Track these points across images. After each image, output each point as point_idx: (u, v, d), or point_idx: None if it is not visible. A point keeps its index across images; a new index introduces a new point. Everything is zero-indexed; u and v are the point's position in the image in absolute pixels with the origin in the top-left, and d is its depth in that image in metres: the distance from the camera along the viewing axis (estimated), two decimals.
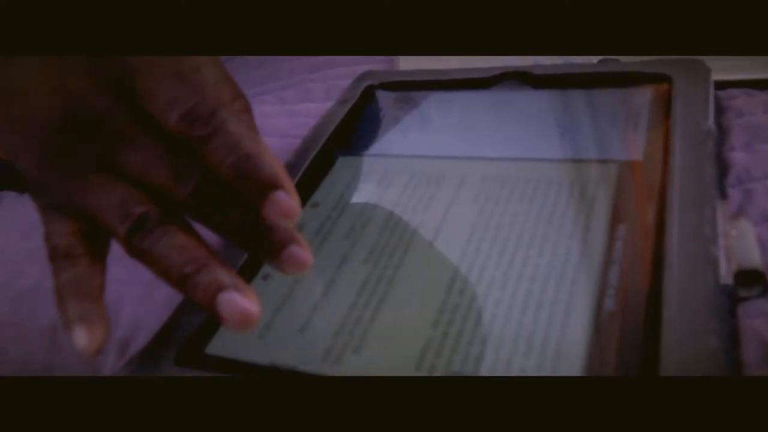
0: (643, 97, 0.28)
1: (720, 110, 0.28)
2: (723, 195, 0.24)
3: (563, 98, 0.29)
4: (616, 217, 0.22)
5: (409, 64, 0.36)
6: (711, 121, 0.25)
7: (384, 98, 0.33)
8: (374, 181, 0.27)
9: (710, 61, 0.29)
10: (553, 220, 0.23)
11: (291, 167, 0.28)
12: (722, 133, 0.27)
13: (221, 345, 0.21)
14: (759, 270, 0.20)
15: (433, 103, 0.31)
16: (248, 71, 0.43)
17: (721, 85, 0.30)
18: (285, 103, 0.37)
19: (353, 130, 0.31)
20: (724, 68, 0.30)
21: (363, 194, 0.26)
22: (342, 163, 0.29)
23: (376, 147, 0.29)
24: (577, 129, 0.27)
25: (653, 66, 0.28)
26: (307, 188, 0.27)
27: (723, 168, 0.26)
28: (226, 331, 0.22)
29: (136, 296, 0.26)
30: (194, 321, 0.22)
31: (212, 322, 0.22)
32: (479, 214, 0.24)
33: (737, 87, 0.30)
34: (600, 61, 0.32)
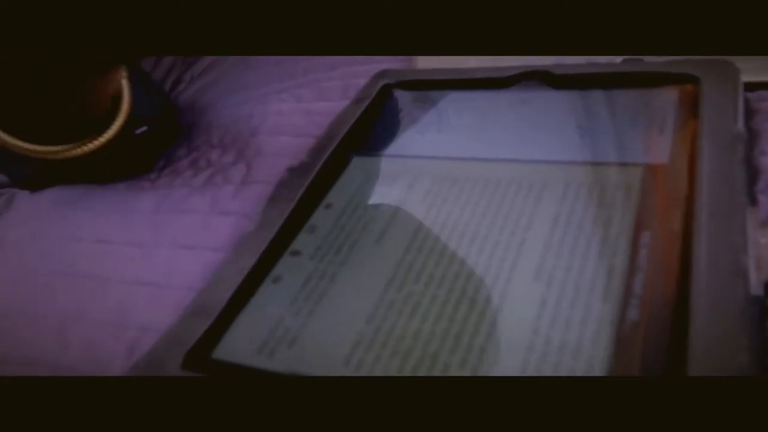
0: (669, 98, 0.27)
1: (750, 113, 0.27)
2: (753, 201, 0.23)
3: (585, 99, 0.28)
4: (640, 224, 0.21)
5: (427, 62, 0.36)
6: (741, 124, 0.24)
7: (401, 97, 0.32)
8: (390, 182, 0.26)
9: (739, 61, 0.28)
10: (572, 224, 0.22)
11: (305, 167, 0.28)
12: (752, 136, 0.26)
13: (229, 349, 0.21)
14: None
15: (451, 102, 0.31)
16: (265, 69, 0.42)
17: (750, 87, 0.29)
18: (301, 102, 0.37)
19: (368, 129, 0.30)
20: (754, 69, 0.29)
21: (378, 195, 0.26)
22: (357, 163, 0.28)
23: (393, 147, 0.29)
24: (600, 131, 0.26)
25: (679, 66, 0.27)
26: (320, 189, 0.27)
27: (753, 173, 0.25)
28: (234, 335, 0.21)
29: (146, 298, 0.25)
30: (202, 324, 0.22)
31: (220, 325, 0.21)
32: (496, 217, 0.23)
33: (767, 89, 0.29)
34: (624, 61, 0.31)
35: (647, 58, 0.30)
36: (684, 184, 0.22)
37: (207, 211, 0.29)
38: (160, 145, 0.36)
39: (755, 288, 0.19)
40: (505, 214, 0.23)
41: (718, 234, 0.19)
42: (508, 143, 0.27)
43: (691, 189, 0.22)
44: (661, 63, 0.28)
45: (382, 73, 0.34)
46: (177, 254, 0.27)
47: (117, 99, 0.30)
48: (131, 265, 0.27)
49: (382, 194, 0.26)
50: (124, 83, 0.30)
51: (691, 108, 0.26)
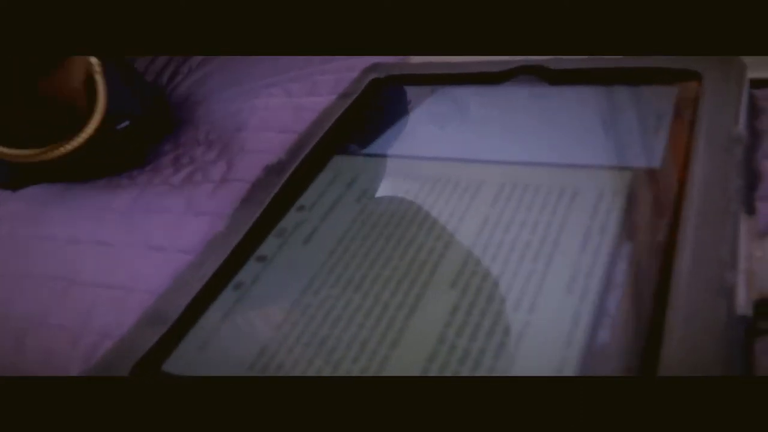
0: (668, 96, 0.25)
1: (755, 112, 0.26)
2: (751, 209, 0.21)
3: (579, 97, 0.27)
4: (623, 234, 0.20)
5: (421, 57, 0.34)
6: (742, 126, 0.22)
7: (390, 93, 0.31)
8: (366, 183, 0.25)
9: (748, 57, 0.26)
10: (549, 234, 0.20)
11: (281, 166, 0.26)
12: (756, 138, 0.24)
13: (181, 360, 0.20)
14: None
15: (441, 99, 0.29)
16: (261, 62, 0.41)
17: (758, 84, 0.27)
18: (291, 96, 0.35)
19: (353, 127, 0.29)
20: (762, 64, 0.27)
21: (350, 197, 0.24)
22: (336, 163, 0.27)
23: (377, 146, 0.27)
24: (592, 131, 0.25)
25: (681, 62, 0.26)
26: (294, 190, 0.25)
27: (754, 178, 0.23)
28: (187, 348, 0.20)
29: (110, 302, 0.24)
30: (155, 333, 0.20)
31: (174, 334, 0.20)
32: (475, 223, 0.22)
33: None
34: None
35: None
36: (674, 192, 0.20)
37: (182, 211, 0.28)
38: (150, 138, 0.35)
39: (743, 307, 0.17)
40: (485, 220, 0.22)
41: (704, 247, 0.18)
42: (495, 143, 0.25)
43: (680, 196, 0.20)
44: (662, 59, 0.26)
45: (373, 67, 0.32)
46: (146, 256, 0.26)
47: (92, 95, 0.29)
48: (99, 267, 0.26)
49: (354, 196, 0.24)
50: (99, 78, 0.29)
51: (691, 107, 0.24)
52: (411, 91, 0.30)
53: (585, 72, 0.27)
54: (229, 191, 0.28)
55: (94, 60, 0.29)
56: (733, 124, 0.22)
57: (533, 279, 0.19)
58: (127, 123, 0.32)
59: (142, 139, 0.34)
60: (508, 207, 0.22)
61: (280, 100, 0.35)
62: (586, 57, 0.28)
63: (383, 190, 0.25)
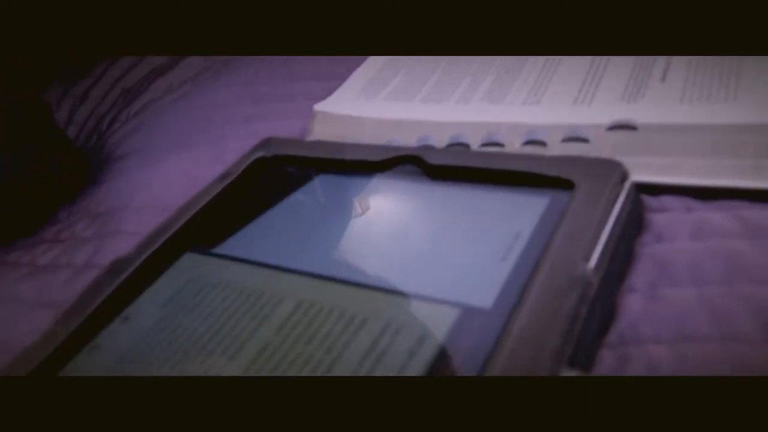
0: (534, 208, 0.22)
1: (638, 226, 0.23)
2: (588, 361, 0.19)
3: (445, 200, 0.24)
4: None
5: (324, 128, 0.32)
6: (592, 262, 0.19)
7: (269, 176, 0.29)
8: (195, 294, 0.23)
9: (658, 158, 0.24)
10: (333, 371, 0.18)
11: (127, 263, 0.25)
12: (627, 263, 0.21)
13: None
14: None
15: (313, 191, 0.27)
16: (190, 115, 0.40)
17: (654, 190, 0.24)
18: (198, 164, 0.34)
19: (212, 219, 0.27)
20: (669, 167, 0.24)
21: (177, 308, 0.23)
22: (185, 263, 0.25)
23: (232, 245, 0.25)
24: (437, 255, 0.22)
25: (556, 165, 0.23)
26: (124, 296, 0.23)
27: (608, 316, 0.20)
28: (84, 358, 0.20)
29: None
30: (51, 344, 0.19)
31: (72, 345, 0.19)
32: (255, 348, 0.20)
33: (680, 194, 0.24)
34: (525, 143, 0.27)
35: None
36: (491, 341, 0.18)
37: (31, 300, 0.26)
38: (32, 206, 0.33)
39: None
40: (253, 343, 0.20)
41: None
42: (338, 258, 0.23)
43: (497, 347, 0.17)
44: (545, 159, 0.24)
45: (265, 143, 0.30)
46: None
47: None
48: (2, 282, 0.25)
49: (175, 306, 0.23)
50: None
51: (550, 226, 0.21)
52: (290, 176, 0.28)
53: (461, 169, 0.25)
54: (84, 281, 0.27)
55: None
56: (582, 260, 0.19)
57: None
58: None
59: (16, 206, 0.32)
60: (294, 332, 0.20)
61: (183, 169, 0.33)
62: (467, 152, 0.26)
63: (203, 300, 0.23)
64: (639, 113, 0.26)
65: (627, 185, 0.22)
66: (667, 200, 0.23)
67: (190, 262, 0.24)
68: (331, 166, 0.28)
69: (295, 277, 0.22)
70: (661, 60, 0.28)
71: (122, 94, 0.47)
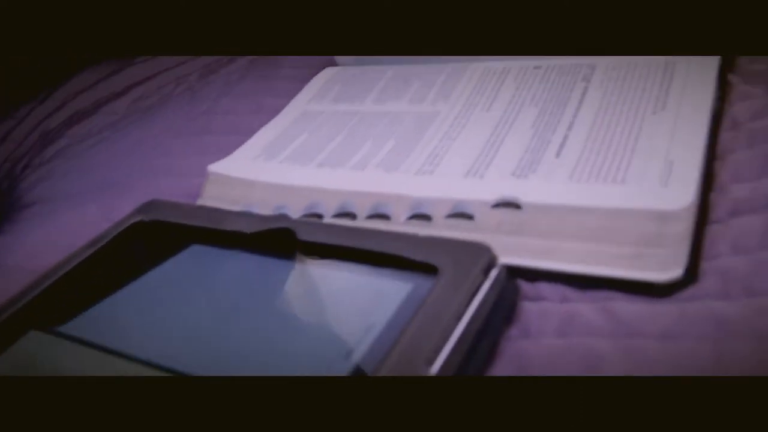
0: (389, 299, 0.21)
1: (509, 316, 0.21)
2: None
3: (312, 281, 0.23)
4: None
5: (213, 191, 0.30)
6: (436, 366, 0.18)
7: (142, 244, 0.27)
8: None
9: (539, 240, 0.22)
10: None
11: None
12: (488, 360, 0.20)
13: None
14: None
15: (183, 262, 0.25)
16: (118, 154, 0.38)
17: (534, 275, 0.22)
18: (104, 216, 0.32)
19: (69, 291, 0.25)
20: (549, 250, 0.23)
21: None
22: (29, 342, 0.23)
23: (77, 324, 0.23)
24: (287, 340, 0.20)
25: (424, 248, 0.21)
26: None
27: None
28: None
29: None
30: None
31: None
32: None
33: (557, 281, 0.22)
34: (411, 216, 0.25)
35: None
36: None
37: None
38: None
39: None
40: None
41: None
42: (178, 346, 0.21)
43: None
44: (415, 239, 0.22)
45: (147, 205, 0.28)
46: None
47: None
48: None
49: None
50: None
51: (405, 318, 0.20)
52: (161, 246, 0.26)
53: (330, 248, 0.23)
54: None
55: None
56: (424, 365, 0.18)
57: None
58: None
59: None
60: None
61: (69, 228, 0.31)
62: (341, 228, 0.24)
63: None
64: (526, 190, 0.24)
65: (494, 273, 0.21)
66: (543, 288, 0.22)
67: (32, 341, 0.23)
68: (206, 235, 0.26)
69: (131, 364, 0.21)
70: (560, 131, 0.27)
71: (41, 138, 0.45)
